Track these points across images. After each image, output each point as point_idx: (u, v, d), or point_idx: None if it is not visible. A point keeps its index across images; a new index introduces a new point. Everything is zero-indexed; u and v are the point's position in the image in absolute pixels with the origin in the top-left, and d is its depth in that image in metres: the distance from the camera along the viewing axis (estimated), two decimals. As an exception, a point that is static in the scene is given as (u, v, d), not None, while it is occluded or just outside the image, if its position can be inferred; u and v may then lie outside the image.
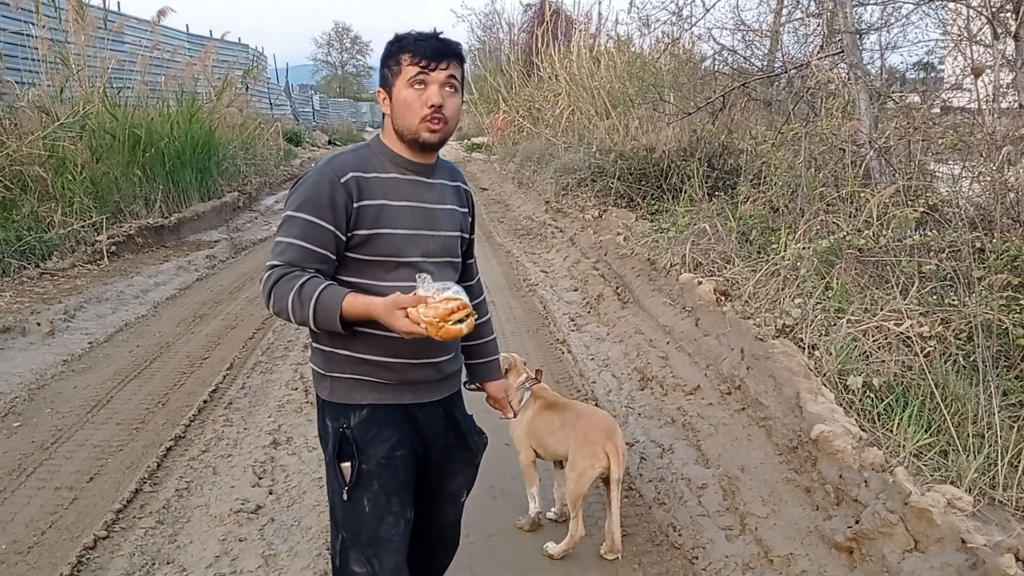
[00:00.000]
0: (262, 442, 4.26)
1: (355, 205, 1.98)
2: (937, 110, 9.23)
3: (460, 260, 2.27)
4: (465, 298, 1.85)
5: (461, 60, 2.07)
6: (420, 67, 1.99)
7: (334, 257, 2.00)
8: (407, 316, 1.81)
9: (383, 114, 2.12)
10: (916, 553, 2.82)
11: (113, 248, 8.94)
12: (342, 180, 1.98)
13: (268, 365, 5.54)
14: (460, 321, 1.81)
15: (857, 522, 3.05)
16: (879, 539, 2.93)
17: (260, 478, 3.85)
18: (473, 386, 2.53)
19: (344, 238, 1.99)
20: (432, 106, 1.99)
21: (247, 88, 18.92)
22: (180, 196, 11.92)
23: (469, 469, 2.40)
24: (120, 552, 3.22)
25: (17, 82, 10.28)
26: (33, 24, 10.76)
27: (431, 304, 1.80)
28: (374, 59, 72.77)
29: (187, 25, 19.16)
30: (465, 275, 2.36)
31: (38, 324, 6.01)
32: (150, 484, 3.79)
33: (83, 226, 8.94)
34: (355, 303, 1.87)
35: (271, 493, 3.72)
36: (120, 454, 4.11)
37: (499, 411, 2.51)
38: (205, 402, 4.81)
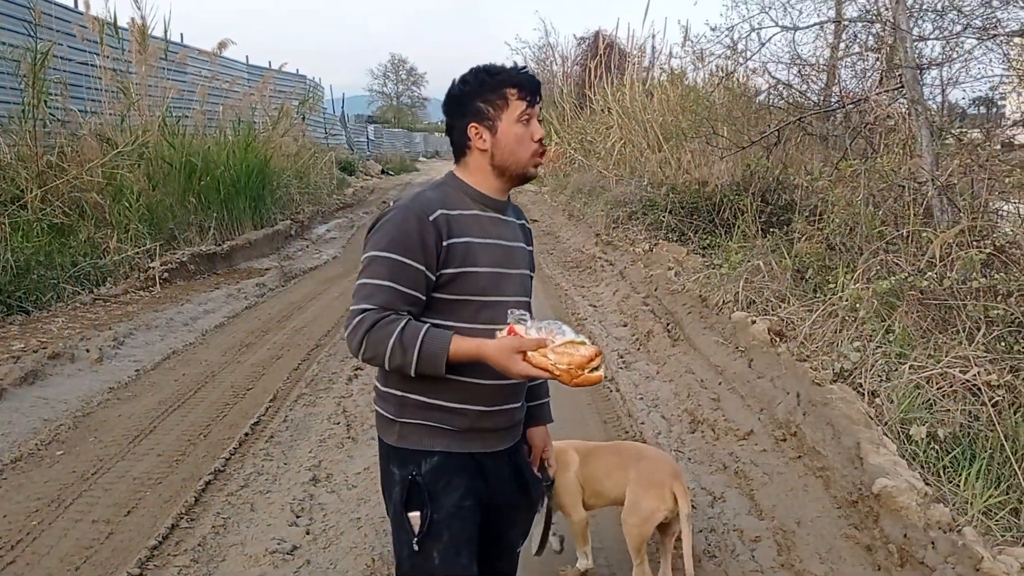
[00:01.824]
0: (302, 478, 4.18)
1: (444, 243, 1.93)
2: (999, 146, 8.97)
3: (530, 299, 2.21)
4: (585, 339, 1.82)
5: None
6: (527, 102, 2.00)
7: (424, 298, 1.94)
8: (526, 359, 1.77)
9: (463, 148, 2.06)
10: (989, 625, 2.62)
11: (165, 275, 9.04)
12: (431, 217, 1.93)
13: (311, 398, 5.49)
14: (596, 368, 1.78)
15: (924, 587, 2.86)
16: (948, 607, 2.74)
17: (298, 517, 3.77)
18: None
19: (434, 278, 1.93)
20: (539, 140, 2.03)
21: (303, 118, 19.21)
22: (233, 224, 12.09)
23: (527, 517, 2.33)
24: (152, 591, 3.16)
25: (80, 111, 10.54)
26: (97, 55, 11.05)
27: (559, 350, 1.77)
28: (429, 90, 73.98)
29: (247, 56, 19.59)
30: None
31: (87, 351, 6.06)
32: (187, 520, 3.72)
33: (137, 252, 9.08)
34: (463, 345, 1.85)
35: (308, 533, 3.62)
36: (159, 487, 4.07)
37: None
38: (247, 435, 4.76)
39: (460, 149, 2.07)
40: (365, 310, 1.87)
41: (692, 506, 3.93)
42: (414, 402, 1.99)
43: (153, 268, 8.97)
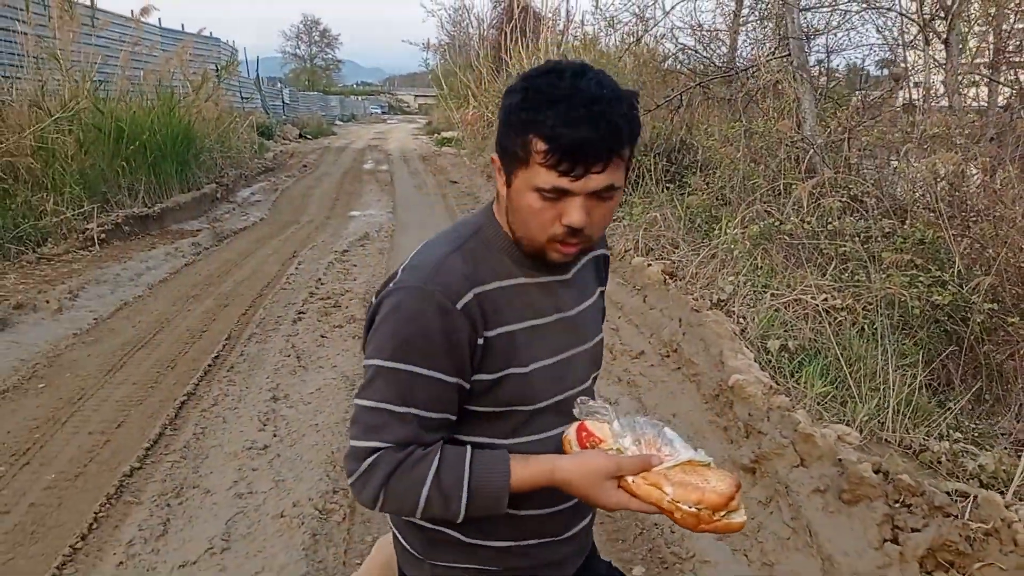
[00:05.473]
0: (263, 398, 4.89)
1: (480, 340, 1.32)
2: (899, 105, 10.16)
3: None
4: (707, 456, 1.27)
5: (632, 143, 1.28)
6: (560, 173, 1.22)
7: (455, 418, 1.37)
8: (624, 486, 1.23)
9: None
10: (801, 468, 3.54)
11: (103, 235, 9.46)
12: (459, 305, 1.30)
13: (262, 336, 6.15)
14: (734, 511, 1.21)
15: (759, 447, 3.76)
16: (775, 459, 3.65)
17: (265, 425, 4.49)
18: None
19: (468, 387, 1.35)
20: (567, 226, 1.27)
21: (219, 81, 19.38)
22: (161, 187, 12.44)
23: None
24: (153, 479, 3.85)
25: (3, 76, 10.75)
26: (20, 21, 11.22)
27: (678, 478, 1.20)
28: (342, 52, 73.45)
29: (159, 19, 19.55)
30: None
31: (47, 302, 6.57)
32: (170, 429, 4.41)
33: (74, 214, 9.47)
34: (529, 472, 1.29)
35: (275, 436, 4.36)
36: (141, 407, 4.73)
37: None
38: (209, 366, 5.42)
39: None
40: (376, 450, 1.30)
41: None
42: (449, 540, 1.46)
43: (91, 229, 9.37)
